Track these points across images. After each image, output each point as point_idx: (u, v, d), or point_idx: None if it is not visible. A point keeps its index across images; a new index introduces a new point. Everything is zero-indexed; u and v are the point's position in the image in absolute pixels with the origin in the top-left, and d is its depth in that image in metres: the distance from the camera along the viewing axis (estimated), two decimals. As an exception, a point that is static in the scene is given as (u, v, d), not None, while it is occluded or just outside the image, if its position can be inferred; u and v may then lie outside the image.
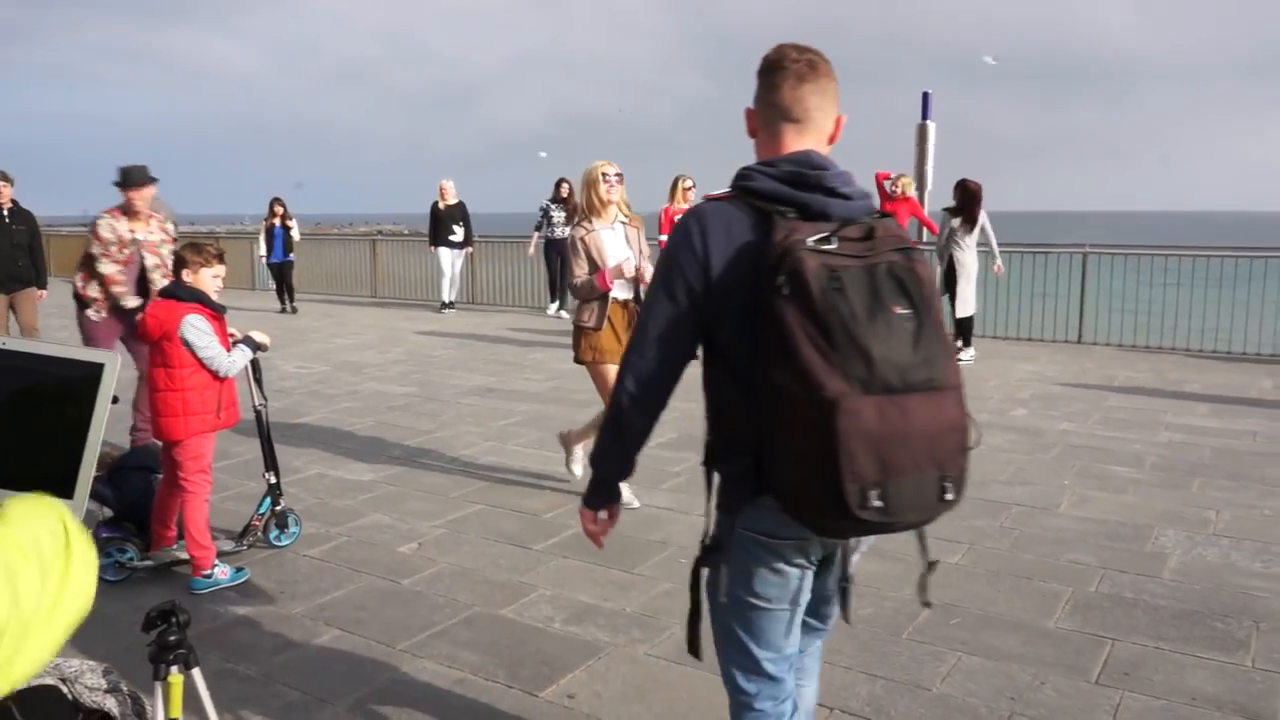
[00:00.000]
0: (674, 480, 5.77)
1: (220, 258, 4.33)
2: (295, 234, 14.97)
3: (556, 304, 13.90)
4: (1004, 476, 5.82)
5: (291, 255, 14.88)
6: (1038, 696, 3.29)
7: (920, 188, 12.81)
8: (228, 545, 4.59)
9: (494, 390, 8.55)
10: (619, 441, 2.07)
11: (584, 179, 5.15)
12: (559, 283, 13.69)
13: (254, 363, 4.60)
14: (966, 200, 9.38)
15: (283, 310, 14.61)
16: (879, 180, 11.15)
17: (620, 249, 5.04)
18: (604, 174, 5.05)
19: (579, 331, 5.14)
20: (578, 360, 5.21)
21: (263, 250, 14.98)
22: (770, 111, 2.00)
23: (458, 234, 14.08)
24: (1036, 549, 4.65)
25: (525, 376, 9.20)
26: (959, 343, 9.55)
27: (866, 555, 4.82)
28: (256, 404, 4.71)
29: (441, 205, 14.06)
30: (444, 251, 14.16)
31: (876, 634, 3.76)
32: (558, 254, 13.36)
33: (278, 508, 4.74)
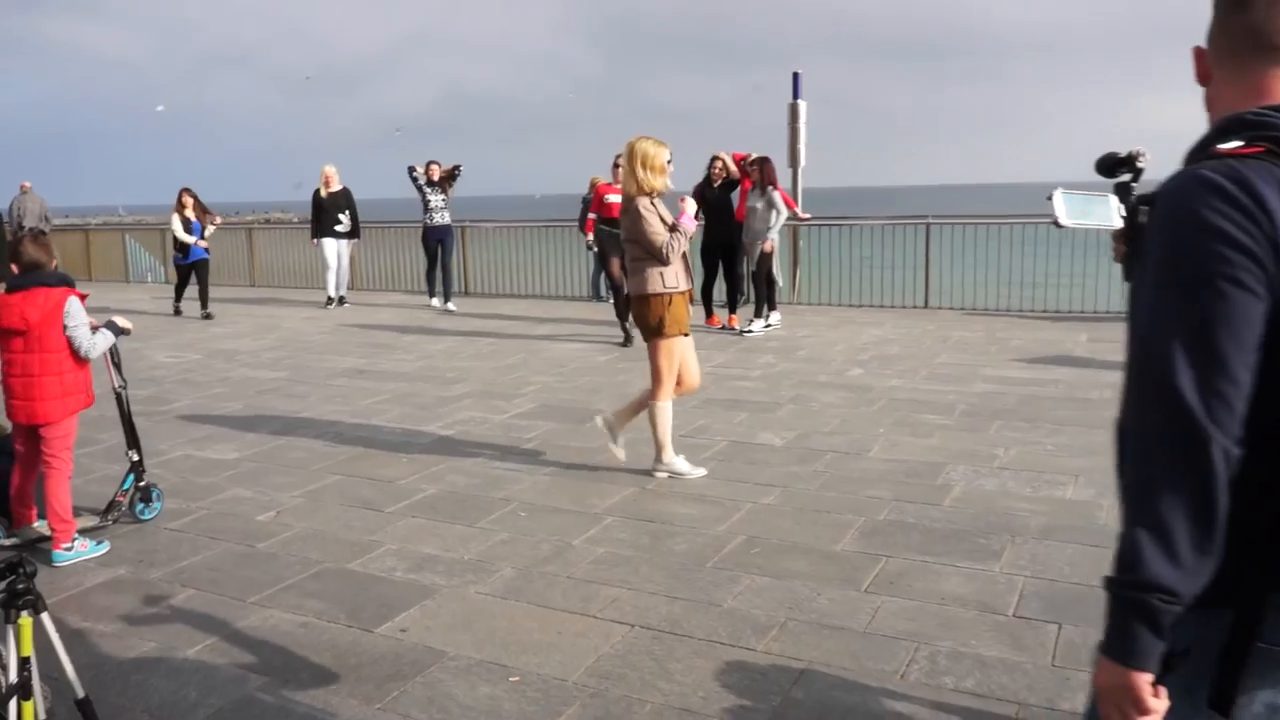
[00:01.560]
0: (527, 445, 6.19)
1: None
2: (211, 228, 13.03)
3: (441, 299, 13.13)
4: (828, 428, 6.41)
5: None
6: (812, 605, 3.82)
7: (794, 165, 13.46)
8: (92, 520, 4.84)
9: (365, 372, 8.82)
10: (1201, 524, 1.27)
11: (644, 158, 5.23)
12: (441, 273, 13.11)
13: (113, 347, 4.87)
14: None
15: (205, 315, 12.52)
16: (736, 160, 11.73)
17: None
18: (669, 162, 5.31)
19: (656, 303, 5.25)
20: (652, 337, 5.32)
21: (181, 236, 12.58)
22: (1237, 40, 1.44)
23: (344, 223, 13.41)
24: (841, 488, 5.22)
25: (397, 358, 9.48)
26: (766, 308, 10.49)
27: (683, 499, 5.28)
28: (116, 386, 4.97)
29: (324, 193, 13.37)
30: (329, 243, 13.45)
31: (685, 564, 4.25)
32: (438, 241, 12.91)
33: (141, 483, 5.00)
